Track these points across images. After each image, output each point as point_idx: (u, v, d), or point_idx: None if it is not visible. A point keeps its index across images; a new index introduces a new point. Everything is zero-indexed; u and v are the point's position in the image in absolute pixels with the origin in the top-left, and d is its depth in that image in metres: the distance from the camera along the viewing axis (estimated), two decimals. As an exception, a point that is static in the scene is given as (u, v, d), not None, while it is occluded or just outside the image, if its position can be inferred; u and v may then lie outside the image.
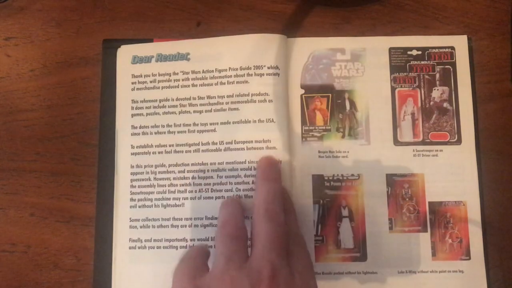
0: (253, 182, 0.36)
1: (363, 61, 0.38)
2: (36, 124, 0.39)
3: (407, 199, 0.37)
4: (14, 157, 0.38)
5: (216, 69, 0.38)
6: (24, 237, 0.38)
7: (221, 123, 0.37)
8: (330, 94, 0.38)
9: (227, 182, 0.36)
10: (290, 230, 0.32)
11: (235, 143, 0.36)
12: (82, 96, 0.39)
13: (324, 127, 0.38)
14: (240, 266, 0.28)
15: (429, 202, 0.37)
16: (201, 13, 0.40)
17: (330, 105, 0.38)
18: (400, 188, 0.37)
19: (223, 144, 0.36)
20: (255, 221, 0.31)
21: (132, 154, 0.37)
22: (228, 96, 0.37)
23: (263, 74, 0.37)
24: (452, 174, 0.37)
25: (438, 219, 0.37)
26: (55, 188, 0.38)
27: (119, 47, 0.39)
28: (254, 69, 0.37)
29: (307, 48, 0.39)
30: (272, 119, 0.36)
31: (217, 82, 0.37)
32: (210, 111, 0.37)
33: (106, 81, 0.39)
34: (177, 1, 0.40)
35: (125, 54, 0.39)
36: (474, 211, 0.36)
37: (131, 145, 0.37)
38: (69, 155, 0.38)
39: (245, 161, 0.36)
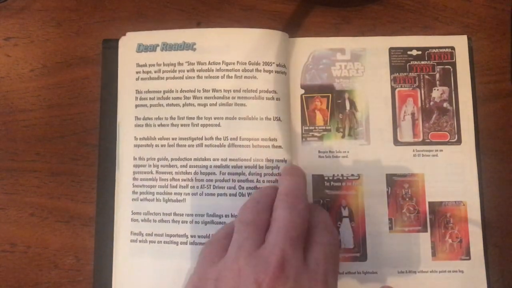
0: (257, 181, 0.35)
1: (363, 61, 0.38)
2: (36, 124, 0.39)
3: (407, 199, 0.37)
4: (14, 157, 0.38)
5: (223, 61, 0.37)
6: (24, 237, 0.38)
7: (226, 118, 0.36)
8: (330, 94, 0.38)
9: (230, 180, 0.35)
10: (318, 224, 0.30)
11: (240, 140, 0.36)
12: (82, 96, 0.39)
13: (324, 127, 0.38)
14: (249, 254, 0.27)
15: (429, 202, 0.37)
16: (201, 13, 0.40)
17: (330, 105, 0.38)
18: (400, 188, 0.37)
19: (227, 140, 0.36)
20: (275, 208, 0.30)
21: (135, 146, 0.37)
22: (234, 91, 0.36)
23: (272, 71, 0.36)
24: (452, 174, 0.37)
25: (438, 219, 0.37)
26: (55, 188, 0.38)
27: (124, 34, 0.38)
28: (263, 65, 0.36)
29: (307, 48, 0.39)
30: (279, 117, 0.36)
31: (224, 75, 0.37)
32: (215, 104, 0.36)
33: (106, 81, 0.39)
34: (177, 1, 0.40)
35: (130, 42, 0.38)
36: (474, 211, 0.36)
37: (134, 137, 0.37)
38: (69, 155, 0.38)
39: (250, 158, 0.35)
